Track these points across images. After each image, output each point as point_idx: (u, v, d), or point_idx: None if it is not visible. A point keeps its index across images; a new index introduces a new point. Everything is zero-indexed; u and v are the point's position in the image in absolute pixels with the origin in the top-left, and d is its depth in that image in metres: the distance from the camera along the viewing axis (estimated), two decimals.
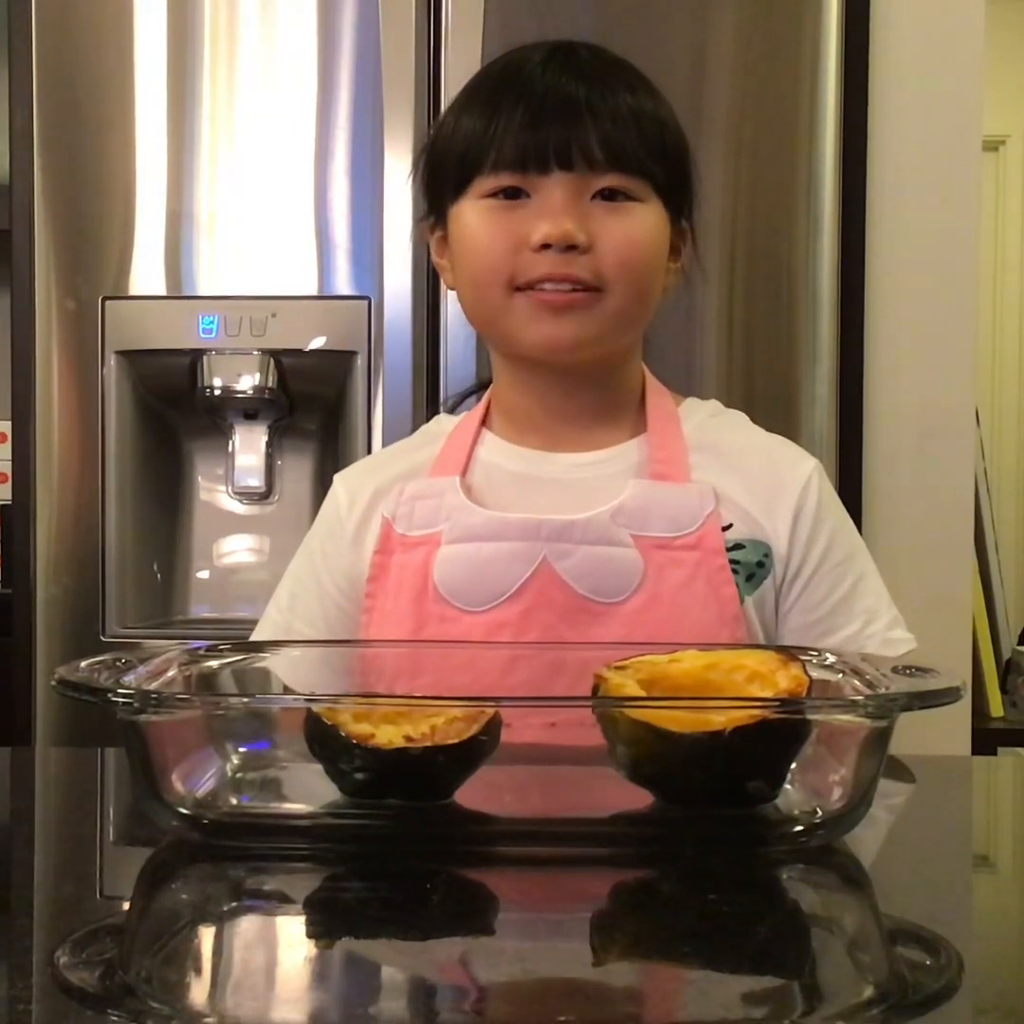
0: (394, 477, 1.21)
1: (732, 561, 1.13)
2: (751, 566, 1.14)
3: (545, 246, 1.09)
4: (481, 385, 1.29)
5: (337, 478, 1.27)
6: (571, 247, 1.09)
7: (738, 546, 1.14)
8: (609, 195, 1.11)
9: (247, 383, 1.87)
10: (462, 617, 1.13)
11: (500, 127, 1.11)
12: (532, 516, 1.13)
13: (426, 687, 1.01)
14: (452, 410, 1.34)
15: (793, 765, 0.80)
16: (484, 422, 1.23)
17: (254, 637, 1.24)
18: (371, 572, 1.17)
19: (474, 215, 1.13)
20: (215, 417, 1.95)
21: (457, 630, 1.12)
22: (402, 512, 1.17)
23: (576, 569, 1.12)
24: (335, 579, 1.22)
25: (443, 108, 1.25)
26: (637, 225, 1.12)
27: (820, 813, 0.79)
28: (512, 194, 1.12)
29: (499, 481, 1.18)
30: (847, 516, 1.23)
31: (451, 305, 1.82)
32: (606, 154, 1.10)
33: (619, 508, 1.13)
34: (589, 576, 1.12)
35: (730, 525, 1.14)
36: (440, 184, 1.17)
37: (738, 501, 1.15)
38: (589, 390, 1.19)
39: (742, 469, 1.17)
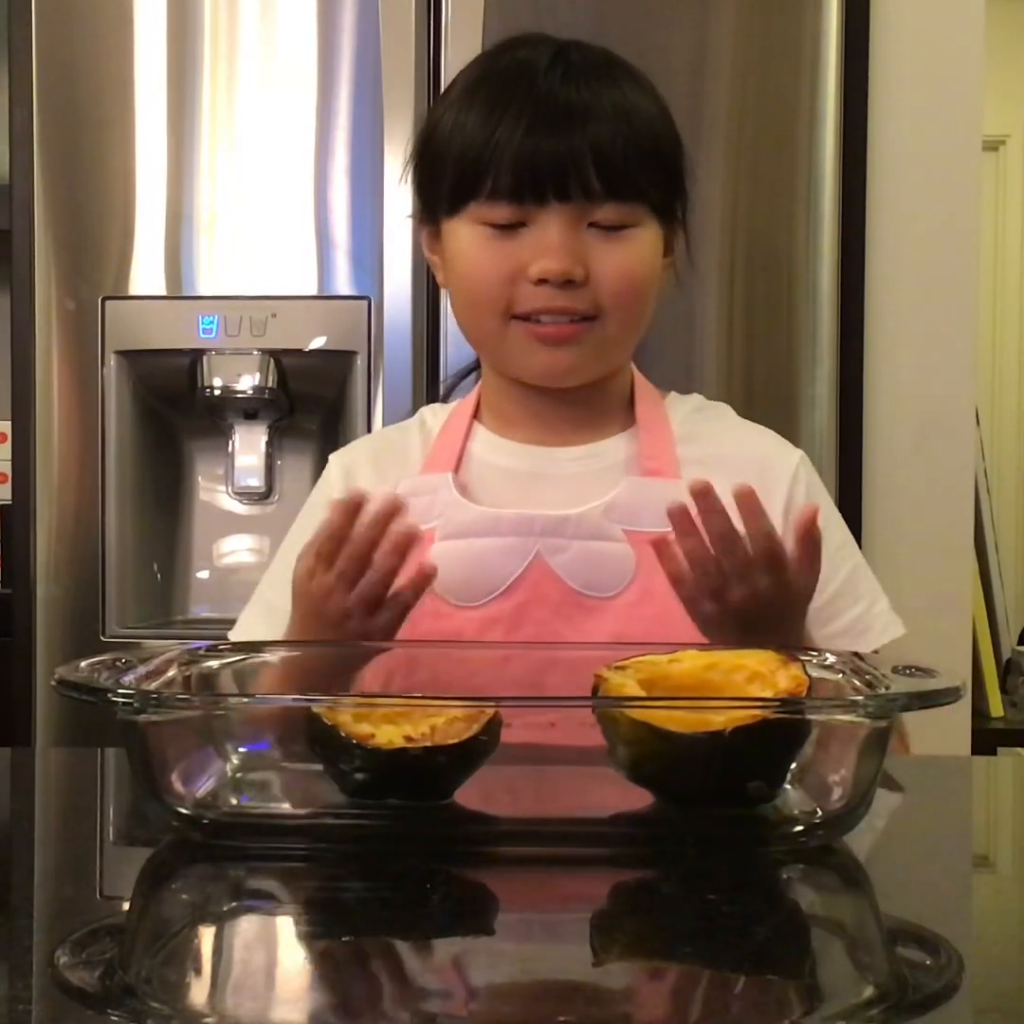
0: (387, 474, 1.20)
1: None
2: None
3: (543, 280, 1.10)
4: (476, 365, 1.29)
5: (333, 459, 1.27)
6: (569, 281, 1.10)
7: None
8: (605, 223, 1.11)
9: (247, 383, 1.87)
10: (456, 612, 1.13)
11: (499, 145, 1.10)
12: (525, 511, 1.14)
13: (420, 684, 1.01)
14: (449, 391, 1.35)
15: (793, 765, 0.81)
16: (475, 415, 1.23)
17: (245, 614, 1.24)
18: None
19: (469, 240, 1.13)
20: (215, 417, 1.95)
21: (451, 625, 1.12)
22: None
23: (569, 564, 1.12)
24: None
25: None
26: (633, 255, 1.13)
27: (820, 813, 0.79)
28: (508, 223, 1.11)
29: (491, 477, 1.19)
30: (834, 504, 1.24)
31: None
32: (603, 183, 1.10)
33: (611, 503, 1.14)
34: (582, 571, 1.12)
35: None
36: (435, 191, 1.16)
37: (727, 496, 1.15)
38: (577, 401, 1.20)
39: (729, 463, 1.18)
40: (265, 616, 1.21)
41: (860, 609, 1.17)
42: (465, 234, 1.13)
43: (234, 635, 1.22)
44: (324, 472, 1.27)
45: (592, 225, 1.11)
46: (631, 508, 1.14)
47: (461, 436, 1.21)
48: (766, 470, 1.19)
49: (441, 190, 1.15)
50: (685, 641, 0.97)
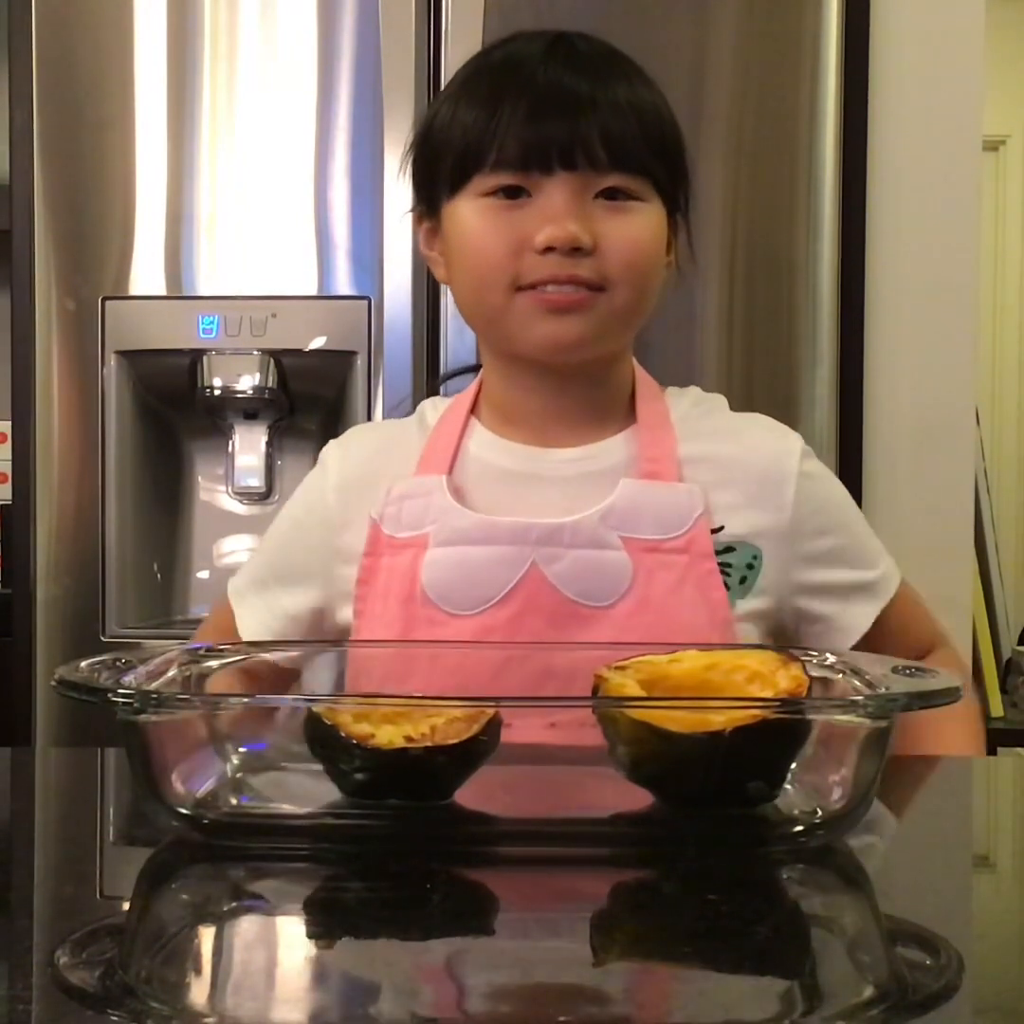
0: (383, 473, 1.20)
1: (724, 564, 1.13)
2: (742, 569, 1.14)
3: (549, 248, 1.09)
4: (474, 368, 1.28)
5: (330, 447, 1.26)
6: (575, 249, 1.09)
7: (729, 548, 1.14)
8: (610, 194, 1.11)
9: (247, 383, 1.87)
10: (451, 621, 1.12)
11: (502, 123, 1.09)
12: (521, 520, 1.13)
13: (416, 691, 1.00)
14: (446, 378, 1.34)
15: (793, 765, 0.80)
16: (473, 411, 1.22)
17: (240, 614, 1.24)
18: (360, 575, 1.17)
19: (473, 214, 1.12)
20: (215, 417, 1.95)
21: (446, 634, 1.11)
22: (390, 513, 1.16)
23: (566, 573, 1.11)
24: (314, 526, 1.22)
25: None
26: (639, 225, 1.12)
27: (820, 813, 0.79)
28: (512, 192, 1.11)
29: (488, 478, 1.18)
30: (840, 486, 1.25)
31: (451, 304, 1.81)
32: (609, 154, 1.10)
33: (608, 509, 1.13)
34: (578, 580, 1.11)
35: (721, 528, 1.14)
36: (434, 177, 1.15)
37: (730, 500, 1.15)
38: (581, 388, 1.18)
39: (730, 464, 1.17)
40: (261, 619, 1.22)
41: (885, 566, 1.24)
42: (469, 210, 1.13)
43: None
44: (320, 459, 1.25)
45: (598, 196, 1.11)
46: (628, 513, 1.13)
47: (457, 433, 1.20)
48: (769, 472, 1.18)
49: (442, 173, 1.14)
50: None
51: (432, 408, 1.26)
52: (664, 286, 1.18)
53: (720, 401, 1.25)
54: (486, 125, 1.10)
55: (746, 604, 1.14)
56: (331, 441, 1.27)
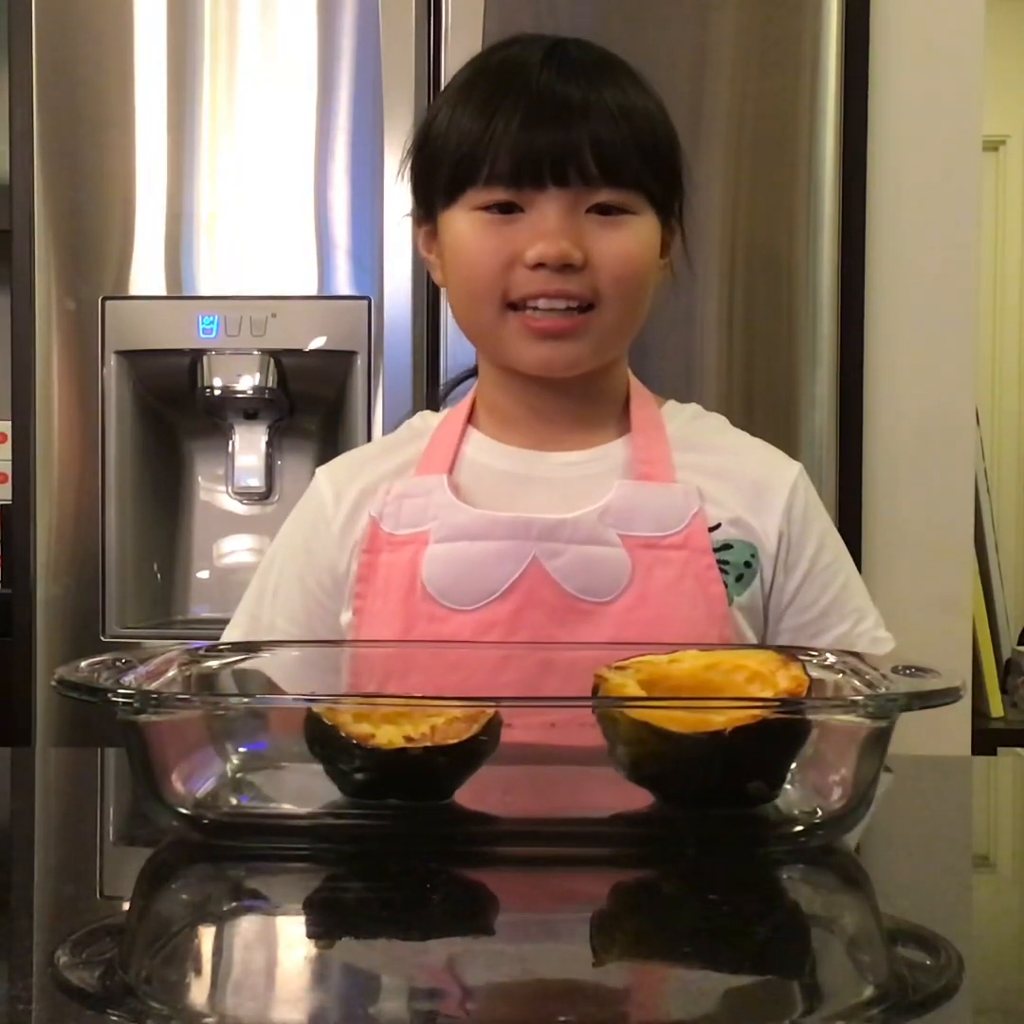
0: (380, 476, 1.20)
1: (721, 561, 1.13)
2: (740, 566, 1.14)
3: (540, 264, 1.09)
4: (474, 371, 1.29)
5: (320, 473, 1.26)
6: (566, 265, 1.09)
7: (726, 546, 1.14)
8: (603, 209, 1.11)
9: (247, 383, 1.87)
10: (451, 616, 1.13)
11: (496, 135, 1.09)
12: (522, 515, 1.13)
13: (416, 687, 1.01)
14: (445, 396, 1.34)
15: (793, 765, 0.81)
16: (470, 419, 1.23)
17: (231, 627, 1.23)
18: (359, 572, 1.17)
19: (467, 227, 1.13)
20: (215, 417, 1.95)
21: (446, 629, 1.12)
22: (389, 511, 1.17)
23: (566, 568, 1.12)
24: (319, 577, 1.21)
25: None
26: (631, 240, 1.12)
27: (820, 813, 0.80)
28: (505, 208, 1.11)
29: (486, 479, 1.18)
30: (829, 518, 1.24)
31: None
32: (601, 169, 1.10)
33: (606, 508, 1.14)
34: (578, 575, 1.12)
35: (718, 525, 1.15)
36: (431, 185, 1.16)
37: (725, 501, 1.16)
38: (575, 396, 1.19)
39: (728, 470, 1.18)
40: (251, 632, 1.21)
41: (845, 628, 1.18)
42: (462, 222, 1.13)
43: None
44: (312, 488, 1.25)
45: (590, 211, 1.11)
46: (625, 512, 1.13)
47: (455, 439, 1.20)
48: (764, 481, 1.18)
49: (438, 182, 1.14)
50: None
51: (421, 420, 1.28)
52: (659, 290, 1.19)
53: (720, 419, 1.26)
54: (480, 137, 1.10)
55: (743, 600, 1.14)
56: (319, 468, 1.27)
